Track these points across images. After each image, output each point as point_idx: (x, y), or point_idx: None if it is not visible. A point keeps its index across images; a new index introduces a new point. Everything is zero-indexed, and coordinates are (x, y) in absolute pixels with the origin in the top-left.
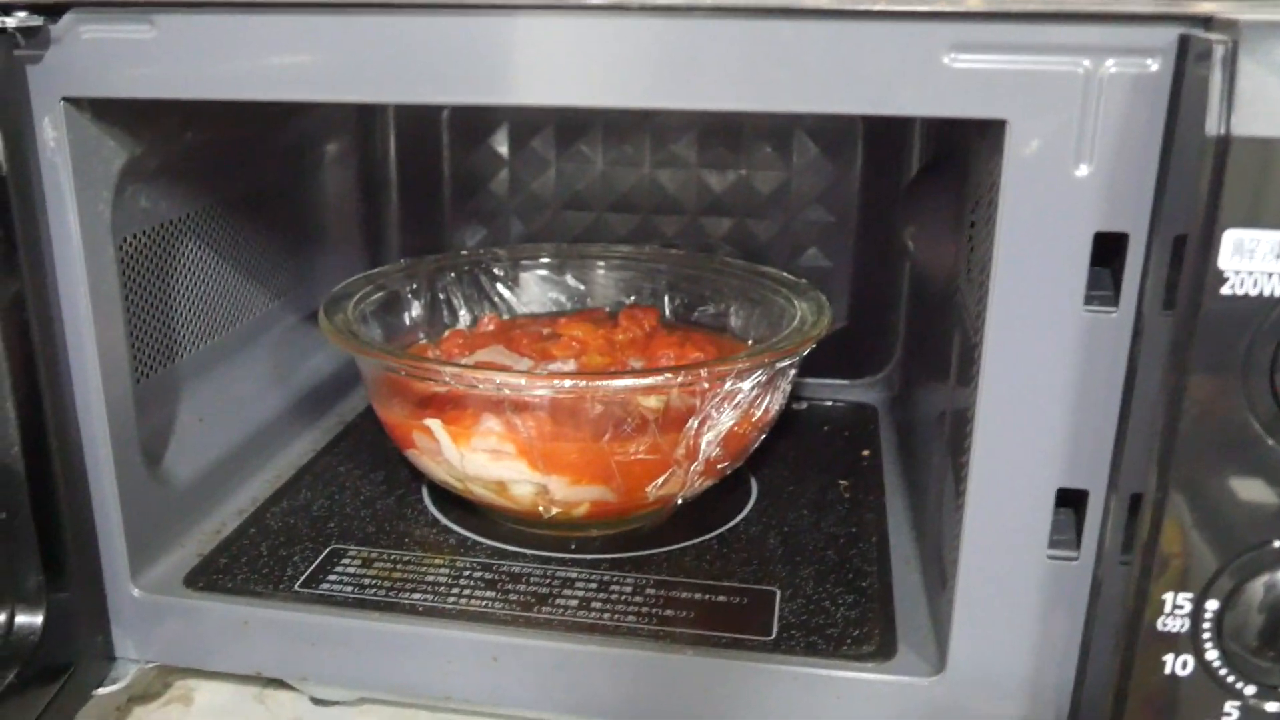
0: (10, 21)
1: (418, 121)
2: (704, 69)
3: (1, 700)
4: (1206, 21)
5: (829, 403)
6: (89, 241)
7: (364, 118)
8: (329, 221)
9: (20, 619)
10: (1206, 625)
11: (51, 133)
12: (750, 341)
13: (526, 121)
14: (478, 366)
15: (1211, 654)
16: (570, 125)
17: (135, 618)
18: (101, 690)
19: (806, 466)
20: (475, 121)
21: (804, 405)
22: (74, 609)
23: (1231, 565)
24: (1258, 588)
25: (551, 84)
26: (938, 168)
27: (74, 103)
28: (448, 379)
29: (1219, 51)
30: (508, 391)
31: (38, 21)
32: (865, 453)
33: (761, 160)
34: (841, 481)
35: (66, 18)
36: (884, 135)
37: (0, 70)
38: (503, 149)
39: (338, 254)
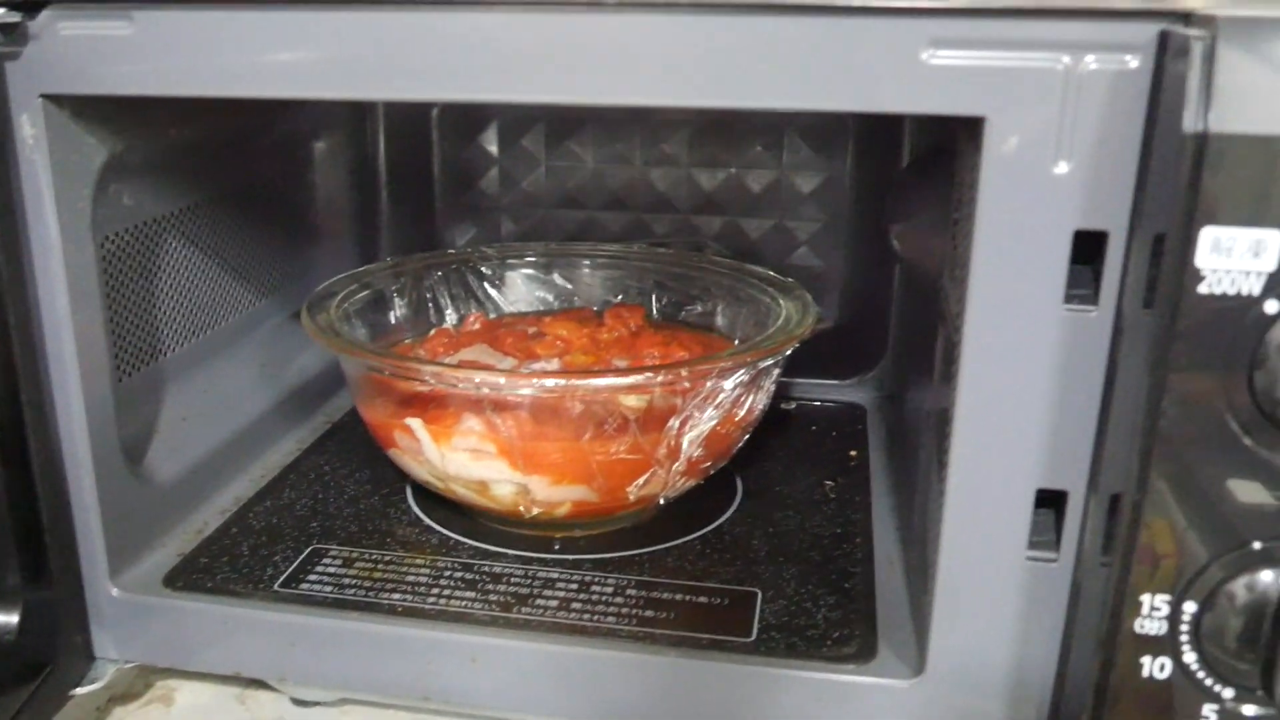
0: None
1: (408, 119)
2: (681, 66)
3: None
4: (1186, 17)
5: (818, 402)
6: (69, 240)
7: (354, 114)
8: (318, 219)
9: None
10: (1185, 627)
11: (30, 130)
12: (737, 340)
13: (516, 119)
14: (460, 366)
15: (1189, 656)
16: (561, 123)
17: (114, 617)
18: (80, 690)
19: (793, 466)
20: (465, 119)
21: (793, 405)
22: (52, 608)
23: (1210, 567)
24: (1237, 589)
25: (530, 81)
26: (923, 165)
27: (53, 99)
28: (428, 378)
29: (1198, 48)
30: (487, 391)
31: (15, 18)
32: (853, 453)
33: (753, 159)
34: (828, 482)
35: (44, 14)
36: (875, 134)
37: None
38: (493, 147)
39: (327, 252)
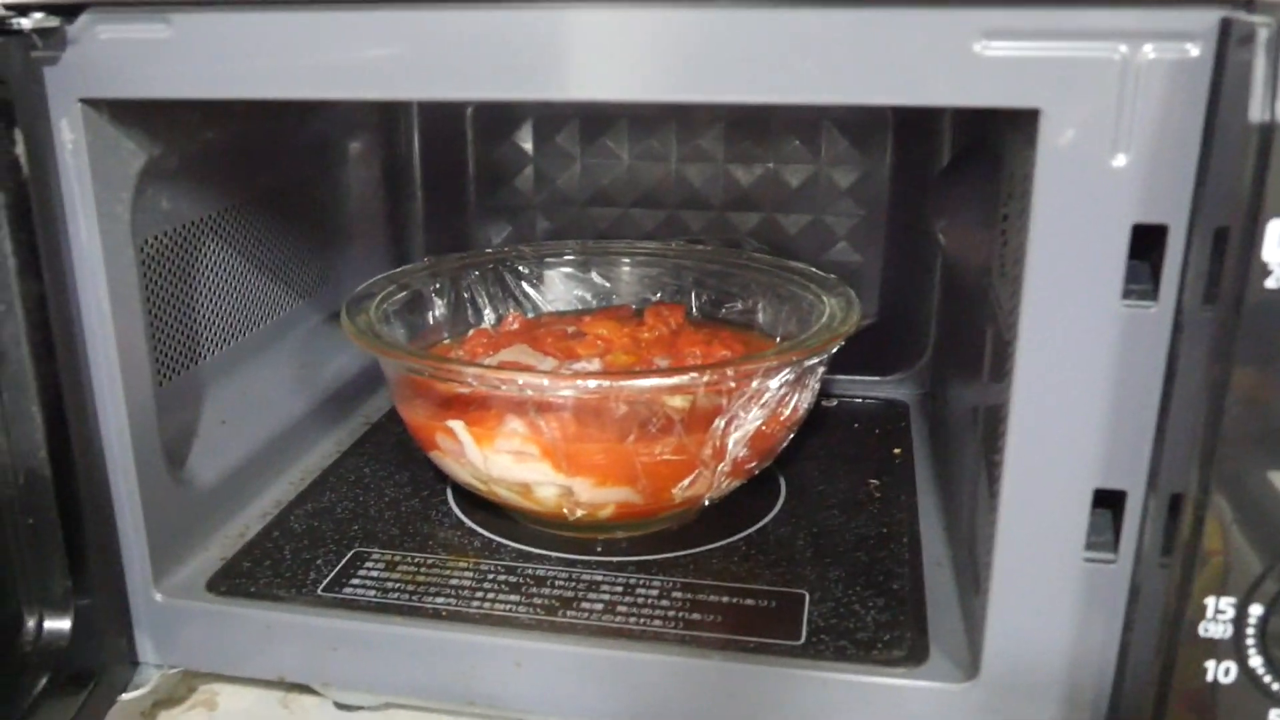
0: (26, 23)
1: (442, 117)
2: (729, 61)
3: (36, 705)
4: (1249, 3)
5: (860, 400)
6: (108, 244)
7: (387, 114)
8: (353, 219)
9: (49, 624)
10: (1250, 631)
11: (69, 134)
12: (779, 338)
13: (551, 117)
14: (501, 367)
15: (1255, 660)
16: (595, 120)
17: (158, 622)
18: (126, 695)
19: (836, 465)
20: (500, 117)
21: (834, 402)
22: (98, 614)
23: (1277, 568)
24: None
25: (567, 79)
26: (969, 158)
27: (91, 104)
28: (470, 380)
29: (1263, 34)
30: (530, 392)
31: (54, 22)
32: (897, 451)
33: (790, 153)
34: (872, 480)
35: (83, 18)
36: (915, 126)
37: (17, 72)
38: (527, 145)
39: (362, 252)
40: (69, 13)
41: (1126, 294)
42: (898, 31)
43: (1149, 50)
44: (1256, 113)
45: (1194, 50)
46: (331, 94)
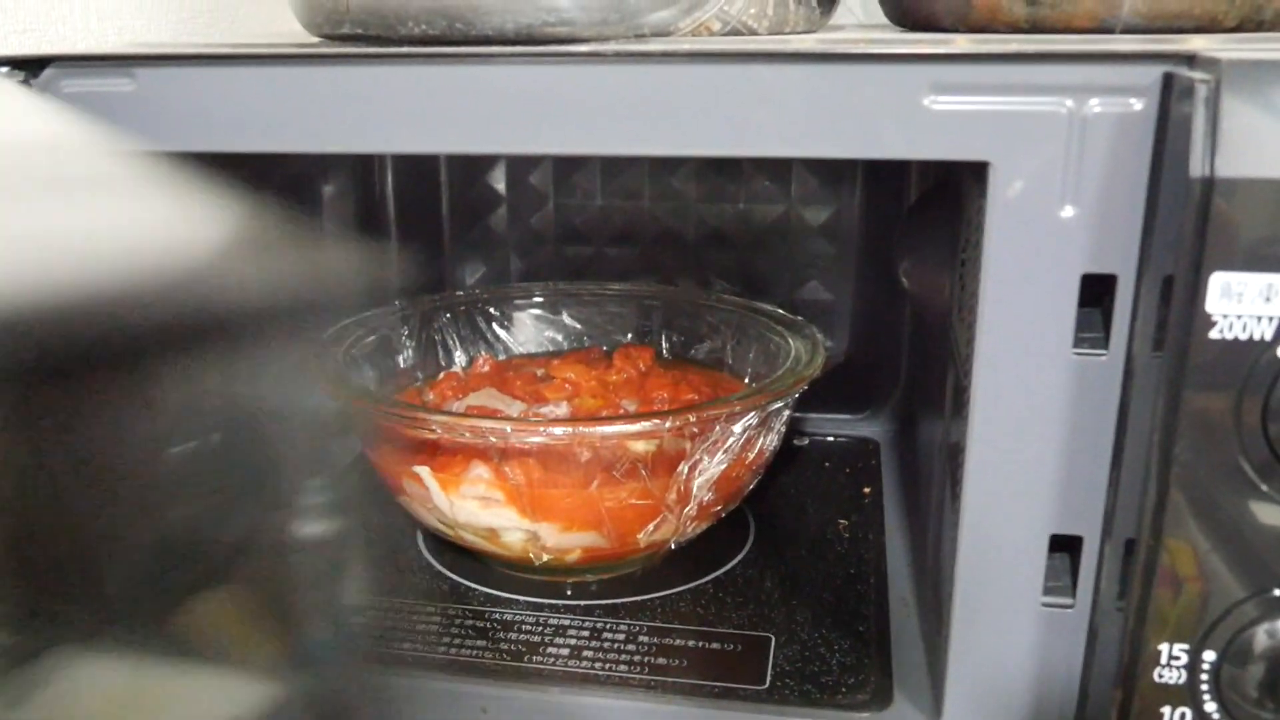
0: None
1: (416, 159)
2: (685, 115)
3: None
4: (1190, 60)
5: (831, 438)
6: None
7: (361, 155)
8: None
9: None
10: (1204, 676)
11: None
12: (747, 379)
13: (524, 158)
14: (467, 413)
15: (1210, 706)
16: (568, 161)
17: None
18: None
19: (806, 504)
20: (473, 159)
21: (805, 441)
22: None
23: (1229, 614)
24: (1257, 636)
25: (530, 134)
26: (933, 201)
27: None
28: (435, 428)
29: (1202, 90)
30: (495, 440)
31: (19, 76)
32: (866, 490)
33: (761, 193)
34: (841, 520)
35: (48, 72)
36: (884, 167)
37: None
38: (500, 186)
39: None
40: (34, 67)
41: (1078, 342)
42: (850, 87)
43: (1095, 104)
44: (1197, 168)
45: (1138, 105)
46: (296, 148)
